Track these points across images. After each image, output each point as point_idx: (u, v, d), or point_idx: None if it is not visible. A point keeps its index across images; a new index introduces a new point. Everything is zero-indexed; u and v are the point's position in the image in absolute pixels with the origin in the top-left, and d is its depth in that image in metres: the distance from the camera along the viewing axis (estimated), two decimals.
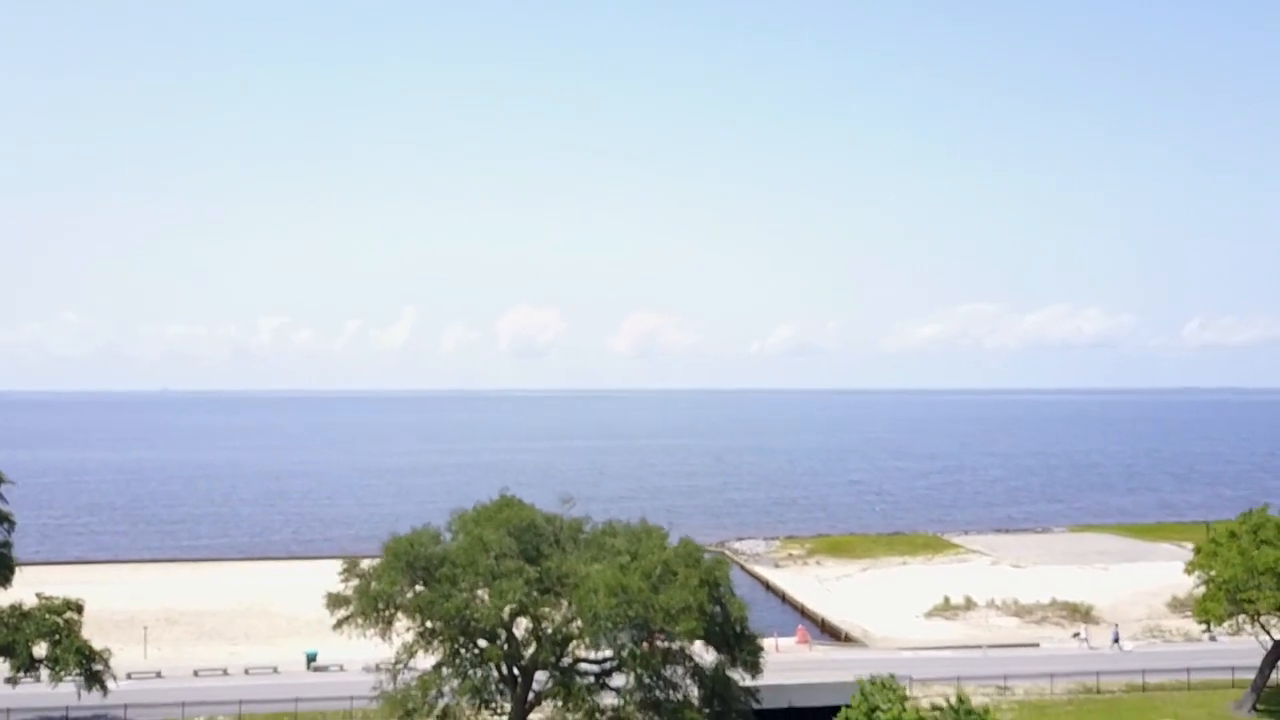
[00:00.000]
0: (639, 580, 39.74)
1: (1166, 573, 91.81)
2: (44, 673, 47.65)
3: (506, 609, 42.54)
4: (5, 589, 51.94)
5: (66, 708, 52.29)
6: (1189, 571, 55.93)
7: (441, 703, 40.09)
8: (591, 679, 41.55)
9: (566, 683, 39.79)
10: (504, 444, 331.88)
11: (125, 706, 53.92)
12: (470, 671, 39.87)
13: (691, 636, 39.05)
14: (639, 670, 39.16)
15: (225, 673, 63.39)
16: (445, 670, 40.34)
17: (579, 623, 39.55)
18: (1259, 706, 53.97)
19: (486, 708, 40.86)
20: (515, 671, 47.33)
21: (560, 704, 40.13)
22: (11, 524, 52.37)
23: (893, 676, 31.18)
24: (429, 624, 40.79)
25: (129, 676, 60.90)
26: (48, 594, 49.86)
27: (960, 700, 29.22)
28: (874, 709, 28.91)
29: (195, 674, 63.03)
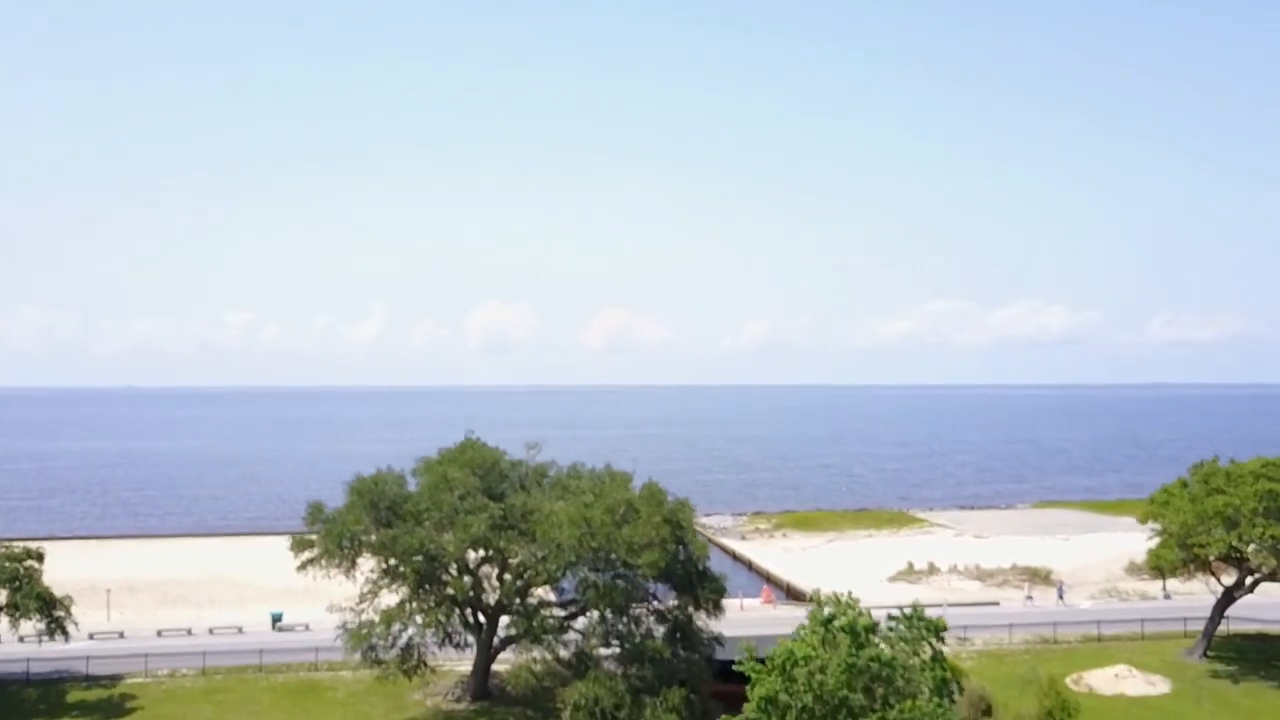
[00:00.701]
0: (602, 515, 40.18)
1: (1126, 541, 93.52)
2: (4, 621, 47.37)
3: (470, 554, 42.85)
4: None
5: (27, 659, 51.99)
6: (1142, 521, 57.22)
7: (405, 637, 40.25)
8: (555, 619, 41.80)
9: (529, 619, 40.04)
10: (476, 433, 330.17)
11: (87, 659, 53.70)
12: (434, 606, 40.05)
13: (654, 569, 39.44)
14: (602, 606, 39.51)
15: (189, 633, 63.18)
16: (409, 606, 40.50)
17: (543, 565, 39.80)
18: (1209, 653, 55.35)
19: (450, 644, 41.07)
20: (480, 618, 47.73)
21: (525, 644, 40.36)
22: None
23: (850, 592, 31.73)
24: (393, 561, 40.93)
25: (91, 637, 60.56)
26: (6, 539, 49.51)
27: (914, 608, 29.87)
28: (830, 618, 29.47)
29: (159, 634, 62.75)
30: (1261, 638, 58.92)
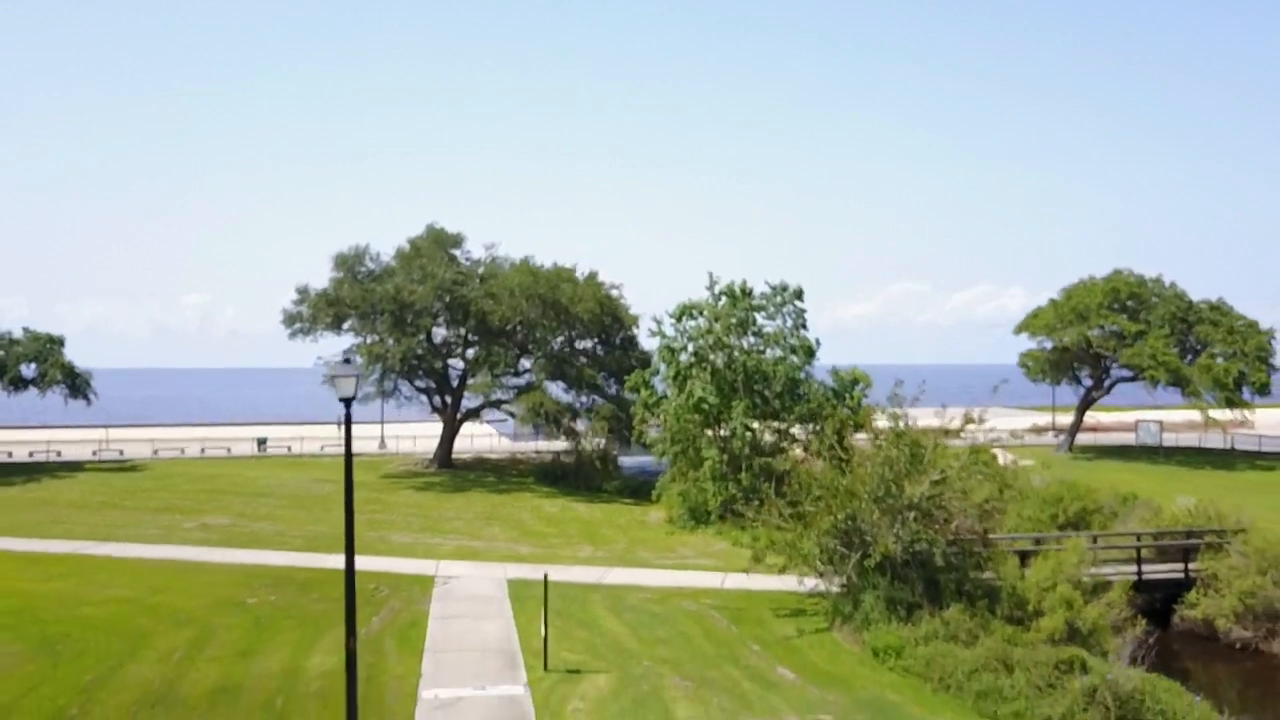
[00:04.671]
0: (549, 276, 48.33)
1: (1038, 419, 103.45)
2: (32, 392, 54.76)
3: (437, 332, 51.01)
4: None
5: (46, 445, 59.28)
6: (1016, 333, 66.16)
7: (379, 369, 48.04)
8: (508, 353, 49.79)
9: (488, 349, 48.05)
10: None
11: (97, 450, 61.16)
12: (407, 336, 47.81)
13: (590, 314, 47.39)
14: (546, 337, 47.52)
15: (182, 452, 70.62)
16: (386, 344, 48.06)
17: (496, 306, 47.71)
18: (1073, 449, 64.72)
19: (419, 379, 48.93)
20: (446, 400, 55.86)
21: (487, 374, 48.26)
22: None
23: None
24: (372, 311, 48.61)
25: (95, 453, 67.81)
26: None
27: (781, 283, 38.02)
28: (719, 293, 37.79)
29: (154, 452, 70.11)
30: (1120, 445, 68.58)
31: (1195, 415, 64.23)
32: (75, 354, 56.80)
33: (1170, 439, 69.13)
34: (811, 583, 25.78)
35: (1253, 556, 26.52)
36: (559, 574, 27.40)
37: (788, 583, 26.38)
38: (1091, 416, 75.22)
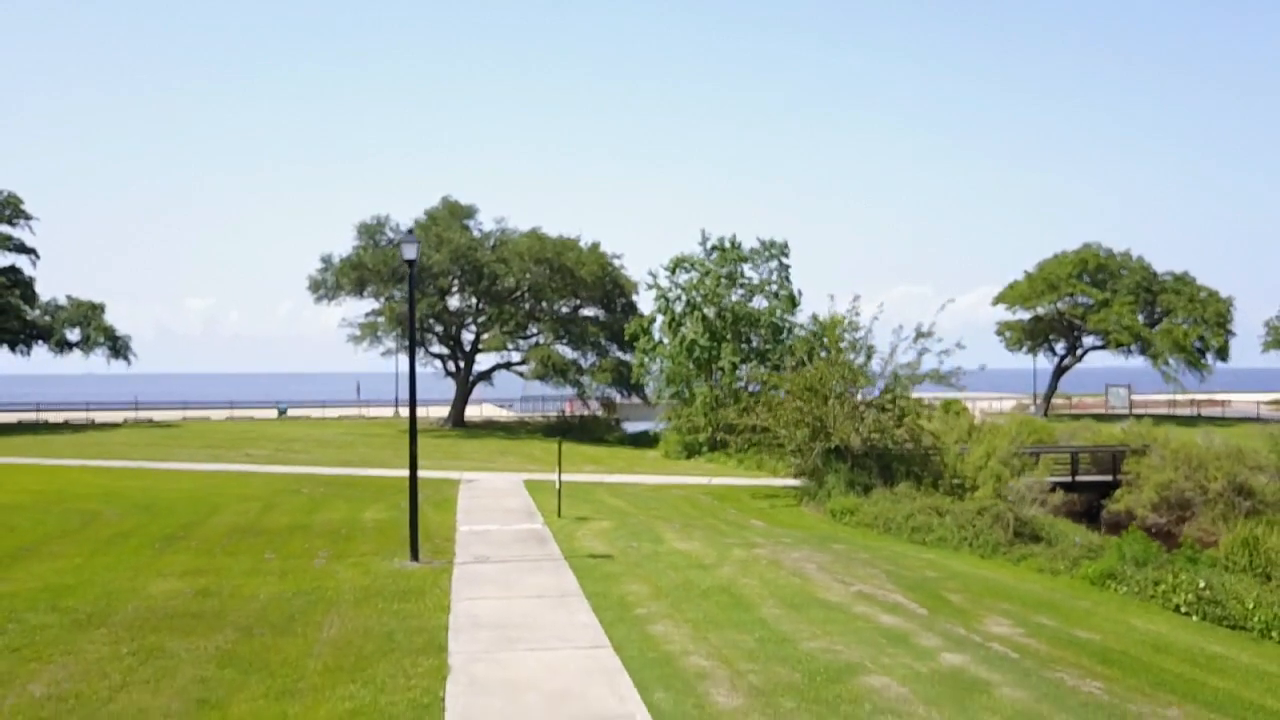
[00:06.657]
0: (555, 244, 52.47)
1: (1026, 398, 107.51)
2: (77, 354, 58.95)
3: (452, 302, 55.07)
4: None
5: (86, 407, 63.31)
6: (994, 303, 70.30)
7: (396, 330, 52.28)
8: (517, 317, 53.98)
9: (499, 308, 52.19)
10: None
11: (125, 419, 65.15)
12: (427, 296, 52.01)
13: (592, 276, 51.56)
14: (551, 300, 51.70)
15: (208, 419, 74.77)
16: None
17: (506, 267, 51.87)
18: (1049, 414, 68.73)
19: (436, 344, 53.10)
20: (459, 365, 60.01)
21: (498, 332, 52.41)
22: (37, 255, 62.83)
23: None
24: (392, 276, 52.81)
25: (124, 421, 71.99)
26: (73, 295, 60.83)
27: (771, 240, 42.09)
28: (712, 247, 41.86)
29: (183, 418, 74.27)
30: (1093, 414, 72.57)
31: (1171, 396, 68.57)
32: (81, 359, 60.50)
33: (1141, 411, 73.30)
34: (785, 482, 29.97)
35: (1169, 458, 30.63)
36: (568, 478, 31.55)
37: (767, 480, 30.56)
38: (1069, 397, 79.55)
